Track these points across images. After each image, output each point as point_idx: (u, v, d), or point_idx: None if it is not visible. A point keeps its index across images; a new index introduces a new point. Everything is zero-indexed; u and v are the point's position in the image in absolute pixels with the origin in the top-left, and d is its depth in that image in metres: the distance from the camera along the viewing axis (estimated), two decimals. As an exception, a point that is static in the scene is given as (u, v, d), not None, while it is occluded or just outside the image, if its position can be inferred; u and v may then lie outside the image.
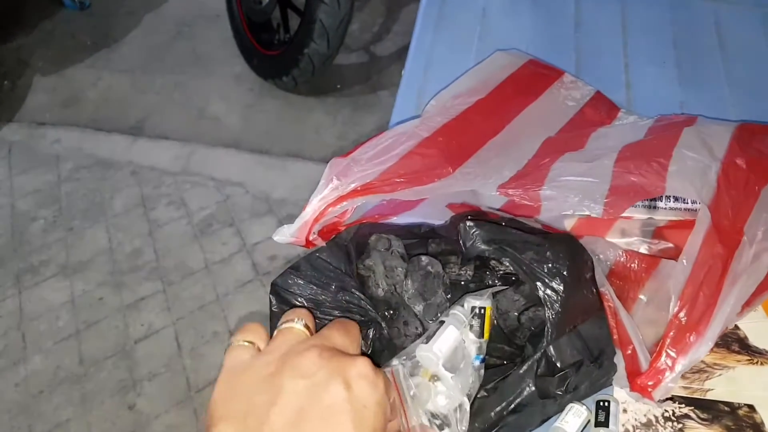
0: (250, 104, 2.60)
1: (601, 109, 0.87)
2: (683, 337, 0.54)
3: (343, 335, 0.44)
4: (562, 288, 0.58)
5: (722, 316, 0.53)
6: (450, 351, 0.56)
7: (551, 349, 0.57)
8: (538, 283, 0.59)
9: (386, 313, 0.65)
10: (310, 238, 0.65)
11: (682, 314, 0.54)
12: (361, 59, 2.72)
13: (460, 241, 0.64)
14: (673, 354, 0.54)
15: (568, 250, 0.61)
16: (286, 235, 0.64)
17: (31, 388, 1.75)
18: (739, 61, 0.97)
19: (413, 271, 0.66)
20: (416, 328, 0.64)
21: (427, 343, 0.56)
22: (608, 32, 1.04)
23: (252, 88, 2.65)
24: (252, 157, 2.39)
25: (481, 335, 0.58)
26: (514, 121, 0.77)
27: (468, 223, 0.62)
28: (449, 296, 0.66)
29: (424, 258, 0.67)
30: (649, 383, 0.54)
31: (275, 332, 0.44)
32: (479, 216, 0.68)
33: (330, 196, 0.62)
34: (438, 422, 0.54)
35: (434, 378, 0.56)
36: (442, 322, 0.57)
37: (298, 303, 0.62)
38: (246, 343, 0.43)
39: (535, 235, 0.64)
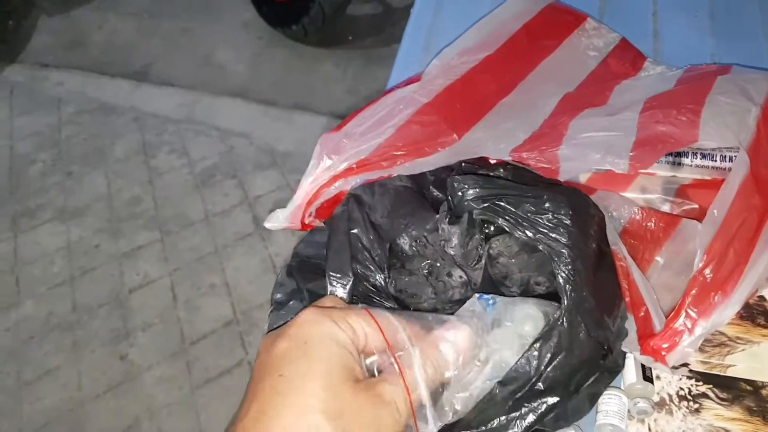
0: (257, 53, 2.52)
1: (625, 59, 0.80)
2: (707, 296, 0.47)
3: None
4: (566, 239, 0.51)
5: (753, 277, 0.47)
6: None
7: None
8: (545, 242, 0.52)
9: (427, 267, 0.60)
10: (306, 222, 0.59)
11: (707, 271, 0.48)
12: (375, 10, 2.61)
13: (448, 197, 0.57)
14: (693, 314, 0.47)
15: (570, 202, 0.54)
16: (280, 220, 0.59)
17: (22, 334, 1.72)
18: (780, 12, 0.89)
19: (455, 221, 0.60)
20: (460, 277, 0.60)
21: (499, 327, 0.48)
22: (637, -24, 0.96)
23: (261, 36, 2.56)
24: (258, 107, 2.31)
25: None
26: (527, 77, 0.70)
27: (456, 177, 0.56)
28: (483, 237, 0.60)
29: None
30: (664, 345, 0.47)
31: None
32: (474, 165, 0.61)
33: (322, 177, 0.57)
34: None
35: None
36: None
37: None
38: None
39: (532, 186, 0.57)
